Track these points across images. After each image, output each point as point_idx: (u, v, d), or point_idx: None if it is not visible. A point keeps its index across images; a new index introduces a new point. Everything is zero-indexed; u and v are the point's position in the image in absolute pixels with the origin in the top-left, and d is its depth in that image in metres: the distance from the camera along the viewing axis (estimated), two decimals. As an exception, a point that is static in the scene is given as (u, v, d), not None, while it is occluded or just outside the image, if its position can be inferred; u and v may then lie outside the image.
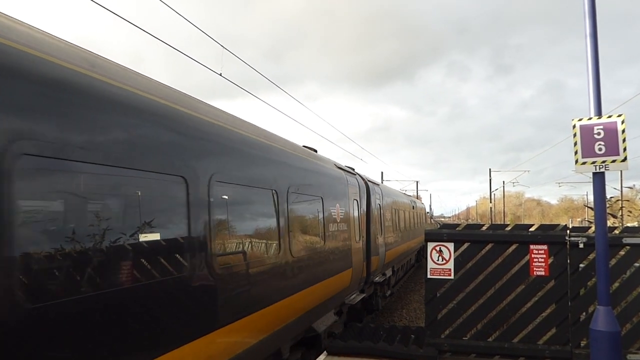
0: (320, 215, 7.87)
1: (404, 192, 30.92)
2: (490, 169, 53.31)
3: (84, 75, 3.23)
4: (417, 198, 45.91)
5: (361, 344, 6.87)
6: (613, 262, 6.15)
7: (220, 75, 10.22)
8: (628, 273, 6.25)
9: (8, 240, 2.54)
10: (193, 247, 4.14)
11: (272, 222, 5.98)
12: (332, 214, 8.53)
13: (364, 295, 10.76)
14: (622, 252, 6.24)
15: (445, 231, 6.64)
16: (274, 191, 6.03)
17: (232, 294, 4.76)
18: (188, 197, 4.10)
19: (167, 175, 3.89)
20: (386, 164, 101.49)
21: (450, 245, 6.55)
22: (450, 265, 6.50)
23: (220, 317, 4.51)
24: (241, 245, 5.13)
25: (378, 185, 13.93)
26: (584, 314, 6.21)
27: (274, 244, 5.93)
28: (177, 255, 3.97)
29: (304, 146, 8.57)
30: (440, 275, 6.53)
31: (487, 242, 6.52)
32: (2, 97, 2.58)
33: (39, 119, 2.78)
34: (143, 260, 3.55)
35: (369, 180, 12.33)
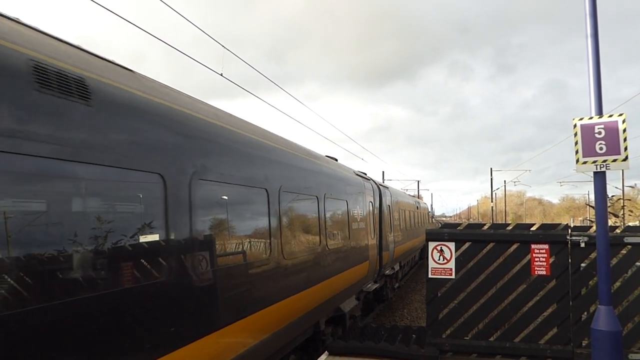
0: (346, 216, 9.45)
1: (405, 190, 31.95)
2: (491, 169, 53.23)
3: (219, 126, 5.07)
4: (419, 198, 45.88)
5: (362, 344, 6.87)
6: (614, 261, 6.14)
7: (221, 75, 10.23)
8: (630, 272, 6.24)
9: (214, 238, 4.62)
10: (269, 243, 5.82)
11: (314, 222, 7.61)
12: (354, 214, 10.04)
13: (377, 285, 12.13)
14: (623, 252, 6.23)
15: (447, 231, 6.64)
16: (316, 197, 7.80)
17: (289, 277, 6.44)
18: (268, 205, 5.94)
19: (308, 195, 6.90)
20: (387, 164, 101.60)
21: (452, 245, 6.54)
22: (452, 264, 6.50)
23: (281, 294, 6.10)
24: (296, 241, 6.81)
25: (387, 188, 15.41)
26: (586, 313, 6.20)
27: (316, 239, 7.58)
28: (250, 247, 5.46)
29: (326, 156, 9.89)
30: (441, 275, 6.52)
31: (488, 241, 6.52)
32: (193, 146, 4.39)
33: (203, 157, 4.51)
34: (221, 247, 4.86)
35: (380, 184, 13.83)
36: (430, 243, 6.60)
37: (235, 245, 5.14)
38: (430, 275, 6.57)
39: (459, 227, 6.76)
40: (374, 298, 13.06)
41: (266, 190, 5.82)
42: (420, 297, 17.29)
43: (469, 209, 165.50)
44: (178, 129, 4.23)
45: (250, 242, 5.44)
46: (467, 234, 6.60)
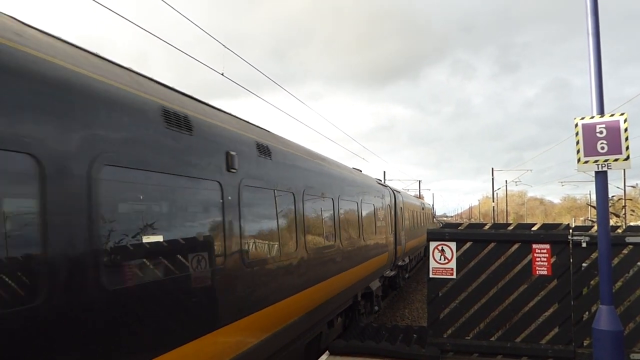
0: (373, 216, 12.12)
1: (406, 190, 33.57)
2: (492, 168, 53.16)
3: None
4: (420, 197, 45.95)
5: (363, 343, 6.87)
6: (616, 261, 6.13)
7: (222, 75, 10.23)
8: (631, 272, 6.23)
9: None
10: (333, 235, 8.42)
11: (355, 221, 10.24)
12: (378, 215, 12.79)
13: (393, 272, 15.06)
14: (625, 251, 6.22)
15: (448, 230, 6.63)
16: (357, 202, 10.48)
17: (343, 260, 8.83)
18: (333, 209, 8.51)
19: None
20: (388, 163, 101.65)
21: (453, 245, 6.53)
22: (453, 264, 6.49)
23: (338, 270, 8.53)
24: (347, 234, 9.36)
25: (399, 192, 18.07)
26: (587, 313, 6.19)
27: (357, 233, 10.26)
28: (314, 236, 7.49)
29: (353, 168, 12.28)
30: (442, 275, 6.51)
31: (490, 241, 6.50)
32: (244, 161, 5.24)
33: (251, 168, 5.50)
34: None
35: (394, 190, 16.87)
36: (431, 243, 6.59)
37: (312, 236, 7.40)
38: (431, 275, 6.56)
39: (460, 227, 6.75)
40: (389, 284, 15.49)
41: (332, 199, 8.55)
42: (421, 296, 17.29)
43: (470, 208, 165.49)
44: (234, 148, 5.18)
45: (324, 234, 8.03)
46: (468, 234, 6.59)
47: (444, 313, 6.54)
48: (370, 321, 12.12)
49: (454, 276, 6.49)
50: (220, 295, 4.56)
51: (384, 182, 21.01)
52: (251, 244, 5.33)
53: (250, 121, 6.16)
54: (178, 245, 4.03)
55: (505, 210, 68.97)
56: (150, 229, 3.67)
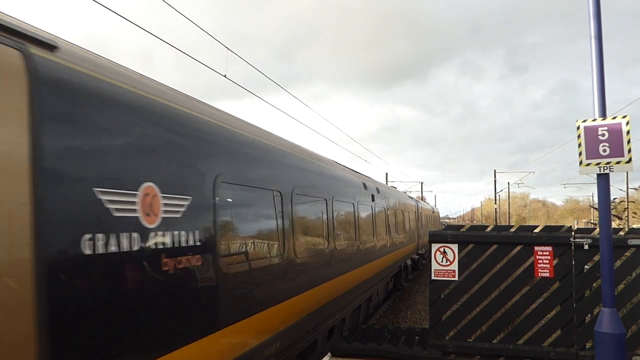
0: (409, 219, 18.72)
1: (408, 192, 36.33)
2: (495, 170, 53.14)
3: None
4: (422, 199, 46.06)
5: (365, 345, 6.87)
6: (618, 263, 6.13)
7: (225, 76, 10.26)
8: (634, 274, 6.22)
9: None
10: (389, 231, 13.62)
11: (402, 222, 16.26)
12: (410, 218, 19.28)
13: (416, 257, 21.52)
14: (627, 254, 6.22)
15: (449, 232, 6.63)
16: (402, 211, 16.51)
17: (395, 244, 14.03)
18: (395, 216, 14.97)
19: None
20: (390, 165, 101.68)
21: (455, 247, 6.54)
22: (455, 266, 6.49)
23: (392, 250, 13.73)
24: (397, 230, 14.92)
25: (418, 201, 25.25)
26: (589, 315, 6.19)
27: (401, 231, 15.93)
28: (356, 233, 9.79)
29: (391, 186, 21.27)
30: (444, 277, 6.52)
31: (492, 243, 6.50)
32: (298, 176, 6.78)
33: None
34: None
35: (416, 200, 24.58)
36: (433, 245, 6.59)
37: (371, 230, 11.12)
38: (433, 277, 6.56)
39: (462, 229, 6.75)
40: (412, 267, 20.95)
41: (386, 208, 13.35)
42: (423, 298, 17.28)
43: (473, 210, 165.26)
44: (294, 166, 6.77)
45: (385, 229, 12.89)
46: (470, 236, 6.60)
47: (446, 315, 6.54)
48: (373, 323, 12.13)
49: (456, 278, 6.49)
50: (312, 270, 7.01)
51: (387, 184, 29.28)
52: (339, 235, 8.53)
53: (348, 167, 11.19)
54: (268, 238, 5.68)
55: (507, 212, 68.84)
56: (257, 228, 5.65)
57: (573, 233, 6.29)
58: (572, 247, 6.21)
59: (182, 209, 3.79)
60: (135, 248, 3.24)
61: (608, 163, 5.19)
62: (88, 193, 2.93)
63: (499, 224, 33.52)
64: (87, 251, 2.88)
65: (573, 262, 6.21)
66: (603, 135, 5.20)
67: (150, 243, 3.37)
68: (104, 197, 3.03)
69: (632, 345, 5.89)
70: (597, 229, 5.63)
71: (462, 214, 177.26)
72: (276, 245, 5.73)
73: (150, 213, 3.39)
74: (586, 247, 6.13)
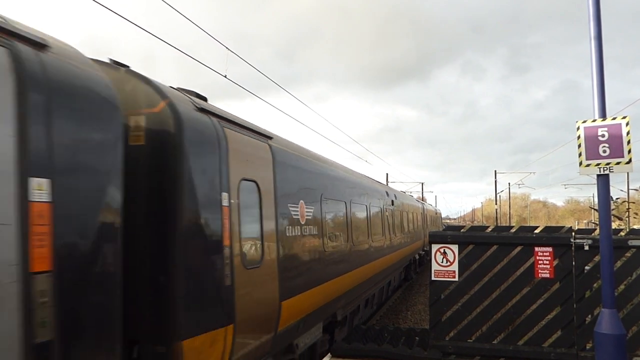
0: (416, 219, 21.11)
1: (409, 193, 38.33)
2: (495, 171, 53.10)
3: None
4: (423, 200, 46.23)
5: (365, 346, 6.88)
6: (618, 264, 6.12)
7: (225, 77, 10.27)
8: (634, 275, 6.22)
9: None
10: (413, 228, 19.43)
11: (414, 222, 19.94)
12: (419, 217, 22.29)
13: (423, 252, 23.62)
14: (627, 254, 6.21)
15: (450, 233, 6.64)
16: (414, 213, 20.56)
17: (414, 239, 19.28)
18: (407, 218, 18.75)
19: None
20: (390, 166, 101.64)
21: (455, 247, 6.54)
22: (455, 267, 6.49)
23: (410, 242, 18.04)
24: (407, 229, 17.70)
25: (424, 203, 29.36)
26: (590, 316, 6.18)
27: (412, 229, 19.19)
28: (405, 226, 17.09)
29: (417, 199, 29.71)
30: (444, 277, 6.52)
31: (492, 244, 6.50)
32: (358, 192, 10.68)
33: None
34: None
35: (424, 204, 28.68)
36: (433, 245, 6.59)
37: (393, 228, 14.18)
38: (433, 278, 6.56)
39: (462, 230, 6.75)
40: (419, 260, 23.73)
41: (401, 211, 16.44)
42: (423, 299, 17.27)
43: (473, 211, 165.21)
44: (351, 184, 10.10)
45: (401, 228, 15.93)
46: (470, 237, 6.60)
47: (446, 316, 6.54)
48: (373, 324, 12.14)
49: (456, 279, 6.49)
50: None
51: (387, 184, 31.85)
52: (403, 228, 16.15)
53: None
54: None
55: (508, 212, 68.83)
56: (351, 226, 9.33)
57: (573, 233, 6.29)
58: (573, 248, 6.21)
59: (311, 213, 7.05)
60: (298, 234, 6.43)
61: (608, 164, 5.19)
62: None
63: (499, 225, 33.63)
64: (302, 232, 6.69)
65: (573, 263, 6.21)
66: (603, 136, 5.20)
67: (304, 231, 6.62)
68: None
69: (632, 346, 5.89)
70: (598, 230, 5.63)
71: (462, 214, 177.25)
72: (345, 237, 8.79)
73: (301, 216, 6.60)
74: (586, 247, 6.13)
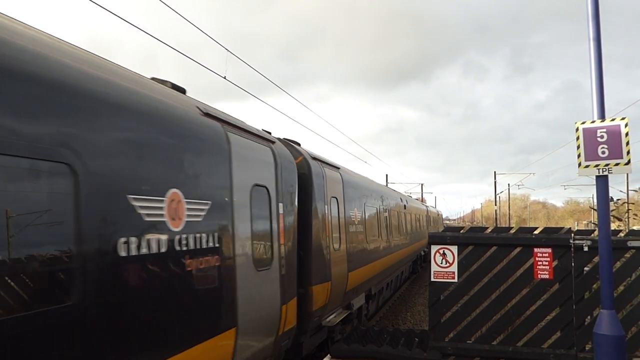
0: (423, 220, 25.68)
1: (409, 194, 39.32)
2: (495, 172, 53.17)
3: None
4: (422, 201, 46.37)
5: (365, 347, 6.87)
6: (618, 265, 6.12)
7: (225, 78, 10.28)
8: (633, 276, 6.22)
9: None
10: (418, 226, 22.56)
11: (419, 223, 23.57)
12: (423, 219, 25.79)
13: (427, 249, 24.92)
14: (627, 255, 6.21)
15: (449, 234, 6.63)
16: (419, 215, 24.10)
17: (419, 237, 21.85)
18: (421, 221, 25.64)
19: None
20: (390, 167, 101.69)
21: (454, 248, 6.53)
22: (454, 268, 6.49)
23: (409, 243, 18.76)
24: (417, 228, 22.00)
25: (428, 206, 34.26)
26: (589, 317, 6.18)
27: (420, 228, 23.01)
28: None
29: (430, 204, 42.05)
30: (444, 278, 6.51)
31: (491, 245, 6.50)
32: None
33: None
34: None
35: (427, 205, 33.84)
36: (432, 246, 6.59)
37: (408, 227, 18.75)
38: (432, 279, 6.56)
39: (461, 231, 6.75)
40: (424, 258, 25.28)
41: (412, 213, 20.58)
42: (423, 300, 17.27)
43: (473, 212, 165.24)
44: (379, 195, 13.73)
45: (412, 227, 19.73)
46: (469, 238, 6.60)
47: (445, 317, 6.54)
48: (372, 325, 12.14)
49: (456, 280, 6.49)
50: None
51: (387, 185, 34.23)
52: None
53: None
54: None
55: (507, 213, 68.84)
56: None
57: (573, 234, 6.29)
58: (572, 249, 6.21)
59: (359, 216, 10.31)
60: (358, 230, 10.13)
61: (607, 165, 5.19)
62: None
63: (498, 226, 33.78)
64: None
65: (573, 264, 6.21)
66: (602, 137, 5.20)
67: (357, 228, 9.88)
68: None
69: (631, 347, 5.88)
70: (597, 231, 5.63)
71: (462, 215, 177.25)
72: (383, 232, 12.90)
73: (356, 219, 10.04)
74: (586, 248, 6.13)
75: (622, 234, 6.34)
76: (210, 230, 4.17)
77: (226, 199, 4.54)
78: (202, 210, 4.08)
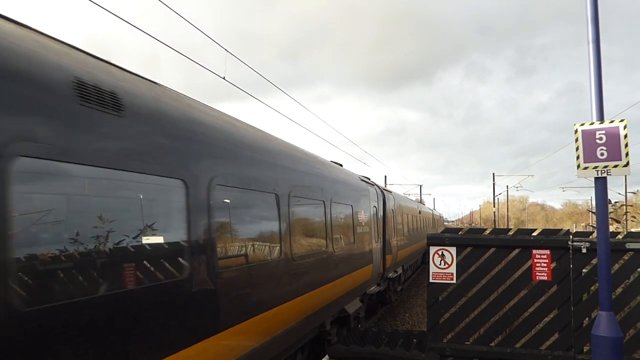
0: (429, 221, 31.62)
1: (407, 195, 39.70)
2: (493, 174, 53.20)
3: None
4: (421, 202, 46.63)
5: (363, 348, 6.87)
6: (616, 267, 6.13)
7: (224, 78, 10.27)
8: (632, 278, 6.23)
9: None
10: (416, 228, 24.04)
11: (427, 223, 29.61)
12: (429, 220, 31.40)
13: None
14: (625, 257, 6.22)
15: (448, 235, 6.64)
16: (426, 216, 30.21)
17: (421, 235, 22.54)
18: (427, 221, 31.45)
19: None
20: (389, 168, 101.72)
21: (453, 250, 6.54)
22: (453, 269, 6.50)
23: (417, 240, 21.52)
24: (426, 227, 28.20)
25: (433, 210, 41.86)
26: (587, 319, 6.19)
27: (427, 228, 28.61)
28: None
29: (416, 201, 36.21)
30: (442, 280, 6.52)
31: (490, 246, 6.51)
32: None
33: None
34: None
35: (430, 208, 41.18)
36: (431, 247, 6.59)
37: (420, 226, 24.36)
38: (431, 280, 6.56)
39: (460, 232, 6.76)
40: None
41: (422, 216, 26.44)
42: (421, 301, 17.27)
43: (472, 213, 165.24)
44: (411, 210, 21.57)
45: (421, 226, 24.81)
46: (468, 239, 6.60)
47: (443, 318, 6.54)
48: (371, 326, 12.15)
49: (454, 281, 6.49)
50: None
51: (386, 186, 33.74)
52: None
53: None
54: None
55: (506, 215, 68.87)
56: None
57: (571, 236, 6.30)
58: (570, 251, 6.21)
59: (400, 219, 17.26)
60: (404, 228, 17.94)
61: (606, 167, 5.20)
62: None
63: (497, 227, 33.76)
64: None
65: (571, 266, 6.21)
66: (601, 139, 5.21)
67: (397, 226, 16.26)
68: None
69: (630, 349, 5.89)
70: (595, 233, 5.64)
71: (460, 217, 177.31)
72: (404, 230, 17.85)
73: (400, 223, 17.37)
74: (584, 250, 6.14)
75: (620, 236, 6.35)
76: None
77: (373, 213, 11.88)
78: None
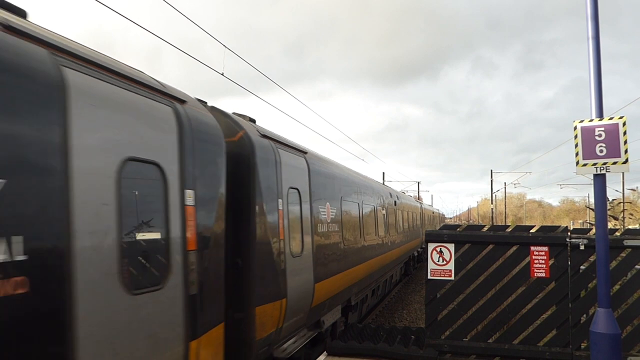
0: (433, 217, 39.97)
1: (405, 192, 40.02)
2: (491, 170, 53.22)
3: None
4: (419, 199, 46.69)
5: (361, 344, 6.88)
6: (614, 264, 6.14)
7: (222, 74, 10.24)
8: (629, 275, 6.24)
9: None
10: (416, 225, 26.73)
11: (431, 219, 36.78)
12: (431, 216, 38.17)
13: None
14: (623, 254, 6.23)
15: (446, 232, 6.64)
16: (429, 214, 36.67)
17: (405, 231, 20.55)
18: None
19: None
20: (387, 165, 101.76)
21: (451, 246, 6.54)
22: (451, 266, 6.50)
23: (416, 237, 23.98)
24: (430, 223, 35.08)
25: (433, 208, 48.01)
26: (585, 316, 6.21)
27: (432, 224, 36.62)
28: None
29: (415, 198, 34.92)
30: (440, 276, 6.53)
31: (488, 243, 6.51)
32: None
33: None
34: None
35: (431, 207, 47.30)
36: (429, 244, 6.59)
37: (425, 222, 30.05)
38: (429, 277, 6.57)
39: (458, 229, 6.76)
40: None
41: (425, 213, 31.51)
42: (419, 298, 17.31)
43: (469, 210, 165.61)
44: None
45: (426, 222, 31.00)
46: (466, 236, 6.60)
47: (442, 314, 6.55)
48: (369, 322, 12.17)
49: (452, 278, 6.50)
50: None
51: (384, 183, 32.86)
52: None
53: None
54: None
55: (504, 212, 69.03)
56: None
57: (569, 233, 6.31)
58: (568, 248, 6.22)
59: (407, 216, 20.60)
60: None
61: (605, 163, 5.20)
62: None
63: (495, 224, 33.84)
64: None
65: (569, 263, 6.23)
66: (600, 135, 5.21)
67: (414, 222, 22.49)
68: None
69: (627, 346, 5.91)
70: (593, 230, 5.65)
71: (458, 213, 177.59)
72: (413, 226, 21.59)
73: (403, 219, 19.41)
74: (582, 247, 6.15)
75: (618, 233, 6.36)
76: None
77: None
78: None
